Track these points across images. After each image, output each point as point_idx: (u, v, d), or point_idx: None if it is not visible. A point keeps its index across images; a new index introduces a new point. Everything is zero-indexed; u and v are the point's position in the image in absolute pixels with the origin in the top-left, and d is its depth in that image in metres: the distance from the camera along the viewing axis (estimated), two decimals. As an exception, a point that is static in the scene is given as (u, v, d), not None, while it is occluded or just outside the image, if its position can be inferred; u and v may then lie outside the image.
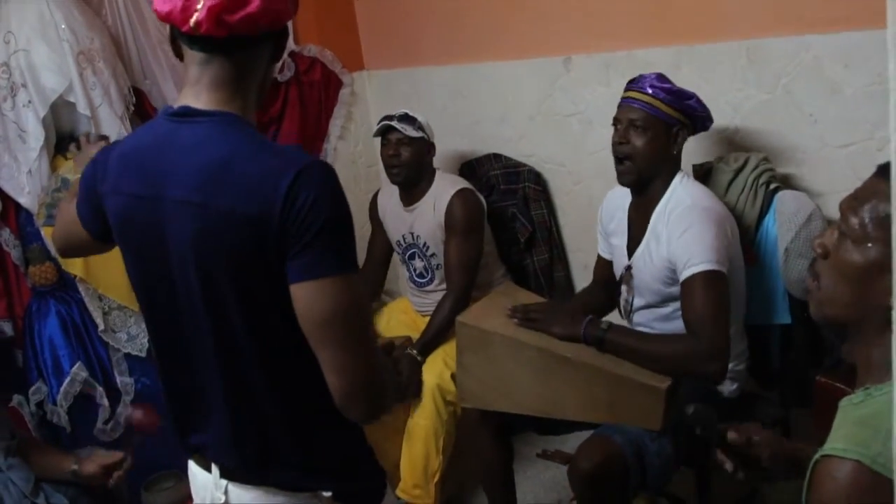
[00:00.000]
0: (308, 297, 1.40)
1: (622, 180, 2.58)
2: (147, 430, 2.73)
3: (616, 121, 2.55)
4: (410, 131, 3.25)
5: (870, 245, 1.27)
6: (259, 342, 1.50)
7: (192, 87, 1.50)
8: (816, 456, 1.22)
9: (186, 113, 1.49)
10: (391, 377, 1.63)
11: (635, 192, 2.62)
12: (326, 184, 1.41)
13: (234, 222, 1.40)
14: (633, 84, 2.54)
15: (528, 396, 2.48)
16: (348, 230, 1.44)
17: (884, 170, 1.30)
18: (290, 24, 1.53)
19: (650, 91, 2.47)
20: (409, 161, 3.28)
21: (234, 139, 1.45)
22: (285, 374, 1.54)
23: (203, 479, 1.70)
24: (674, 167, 2.55)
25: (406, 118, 3.29)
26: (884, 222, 1.25)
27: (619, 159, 2.54)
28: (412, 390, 3.05)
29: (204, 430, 1.65)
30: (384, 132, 3.33)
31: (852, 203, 1.31)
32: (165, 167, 1.48)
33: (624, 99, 2.54)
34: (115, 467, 2.60)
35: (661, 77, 2.51)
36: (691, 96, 2.51)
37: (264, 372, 1.53)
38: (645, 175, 2.53)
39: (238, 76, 1.49)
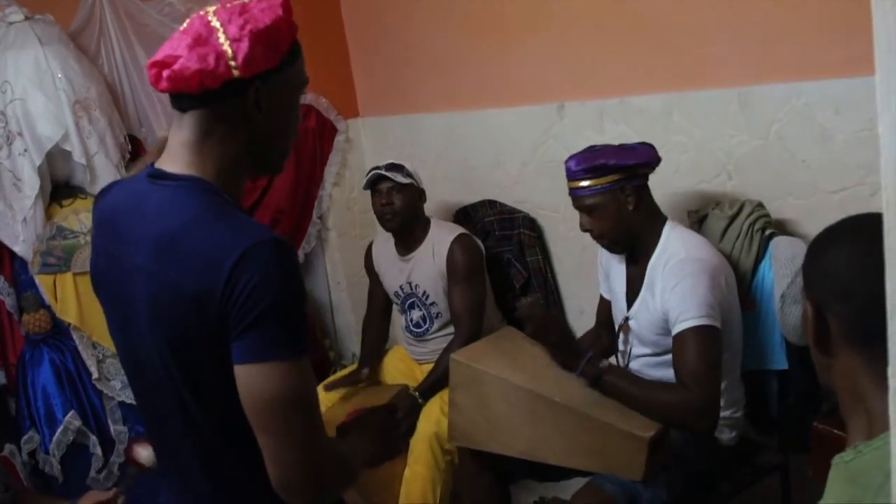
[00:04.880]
0: (245, 381, 1.37)
1: (611, 251, 2.66)
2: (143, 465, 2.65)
3: (576, 209, 2.60)
4: (400, 178, 3.27)
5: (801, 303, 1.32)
6: (207, 416, 1.48)
7: (170, 146, 1.52)
8: None
9: (159, 175, 1.50)
10: (346, 464, 1.55)
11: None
12: (274, 265, 1.36)
13: (180, 297, 1.38)
14: (567, 174, 2.56)
15: (517, 438, 2.48)
16: (294, 314, 1.39)
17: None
18: (267, 83, 1.48)
19: (577, 177, 2.52)
20: (402, 208, 3.30)
21: (192, 209, 1.43)
22: (235, 449, 1.50)
23: None
24: (652, 217, 2.56)
25: (394, 167, 3.31)
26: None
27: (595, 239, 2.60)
28: (406, 432, 3.02)
29: (176, 488, 1.65)
30: (374, 182, 3.34)
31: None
32: (133, 231, 1.48)
33: (569, 191, 2.58)
34: None
35: (580, 154, 2.54)
36: (609, 156, 2.50)
37: (215, 443, 1.51)
38: (625, 241, 2.57)
39: (205, 135, 1.47)
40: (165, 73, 1.40)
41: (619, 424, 2.27)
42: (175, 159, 1.49)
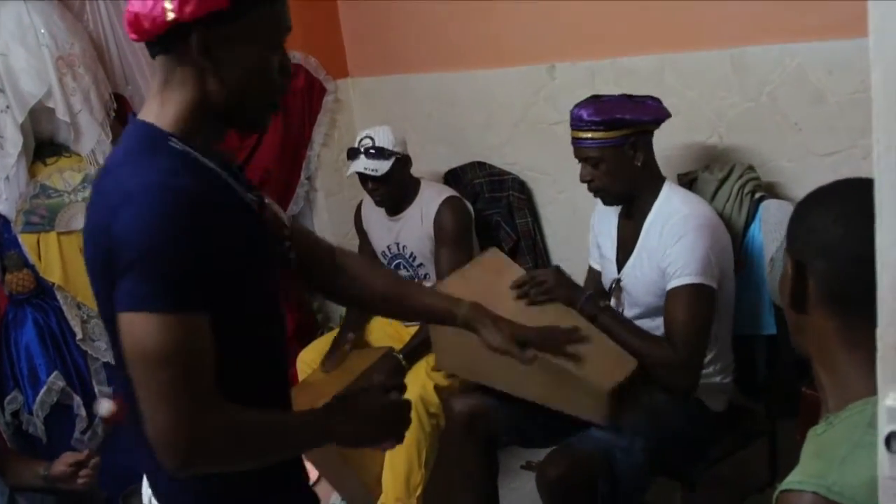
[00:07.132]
0: (121, 329, 1.32)
1: (605, 203, 2.60)
2: (115, 421, 2.62)
3: (577, 159, 2.53)
4: (382, 167, 3.18)
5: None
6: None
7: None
8: (777, 492, 1.20)
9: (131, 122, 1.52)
10: (261, 437, 1.46)
11: (624, 206, 2.60)
12: (148, 211, 1.30)
13: (91, 237, 1.41)
14: (572, 122, 2.49)
15: (495, 373, 2.51)
16: (171, 265, 1.30)
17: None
18: (214, 28, 1.39)
19: (586, 127, 2.44)
20: (390, 190, 3.26)
21: (120, 153, 1.46)
22: None
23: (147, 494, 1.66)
24: (654, 176, 2.53)
25: (374, 151, 3.19)
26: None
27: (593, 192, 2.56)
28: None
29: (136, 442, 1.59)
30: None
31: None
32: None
33: (572, 140, 2.51)
34: (83, 465, 2.54)
35: (590, 104, 2.46)
36: (625, 109, 2.45)
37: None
38: (624, 195, 2.53)
39: (166, 81, 1.45)
40: (128, 17, 1.41)
41: (579, 372, 2.24)
42: (145, 105, 1.50)
